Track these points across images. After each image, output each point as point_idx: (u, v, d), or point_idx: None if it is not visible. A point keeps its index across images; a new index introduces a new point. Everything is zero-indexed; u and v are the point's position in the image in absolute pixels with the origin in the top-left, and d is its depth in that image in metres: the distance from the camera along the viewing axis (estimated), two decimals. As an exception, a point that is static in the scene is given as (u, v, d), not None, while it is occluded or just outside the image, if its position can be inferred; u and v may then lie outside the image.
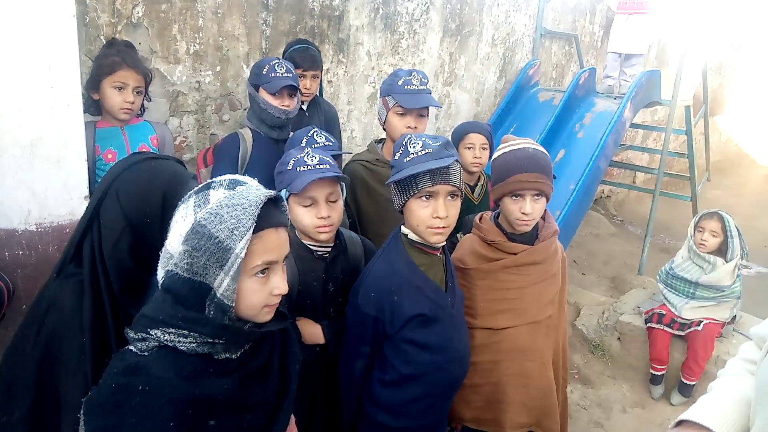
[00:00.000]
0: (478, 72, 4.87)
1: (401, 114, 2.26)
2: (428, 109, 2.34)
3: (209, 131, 3.03)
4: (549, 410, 1.86)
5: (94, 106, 2.24)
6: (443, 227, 1.52)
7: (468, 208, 2.49)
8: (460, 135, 2.62)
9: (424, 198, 1.51)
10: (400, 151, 1.54)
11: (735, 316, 3.49)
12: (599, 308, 4.18)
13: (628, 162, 7.06)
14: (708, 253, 3.39)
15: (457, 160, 1.52)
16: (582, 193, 4.21)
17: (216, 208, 1.00)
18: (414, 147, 1.51)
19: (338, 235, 1.71)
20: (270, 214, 1.06)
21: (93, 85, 2.19)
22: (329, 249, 1.69)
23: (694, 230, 3.47)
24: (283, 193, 1.61)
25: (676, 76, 4.81)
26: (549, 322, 1.88)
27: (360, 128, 3.98)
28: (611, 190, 7.45)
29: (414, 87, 2.25)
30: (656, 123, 7.36)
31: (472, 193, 2.67)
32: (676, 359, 3.47)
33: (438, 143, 1.52)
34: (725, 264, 3.34)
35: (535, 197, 1.74)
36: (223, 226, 0.99)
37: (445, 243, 1.62)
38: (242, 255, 0.99)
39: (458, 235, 2.33)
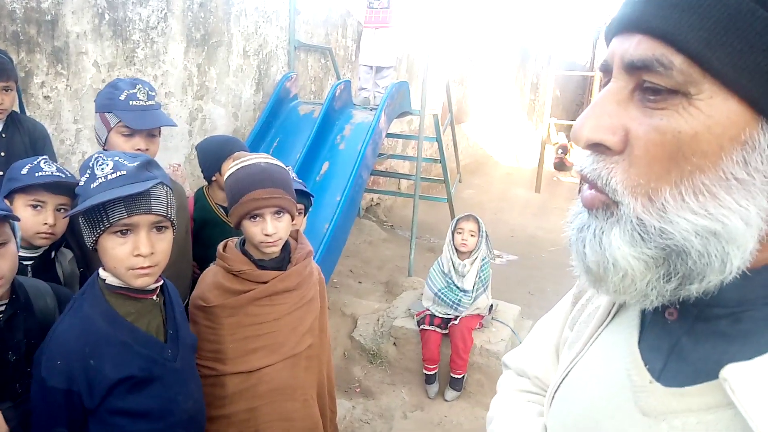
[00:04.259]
0: (233, 84, 4.61)
1: (127, 135, 1.91)
2: (160, 128, 2.03)
3: None
4: None
5: None
6: (148, 267, 1.23)
7: (224, 233, 2.23)
8: None
9: (119, 233, 1.22)
10: (87, 175, 1.22)
11: (492, 305, 3.75)
12: (374, 315, 4.21)
13: (392, 170, 7.42)
14: (469, 251, 3.59)
15: (162, 183, 1.24)
16: (348, 204, 4.20)
17: None
18: (102, 169, 1.19)
19: (16, 288, 1.32)
20: None
21: None
22: (2, 308, 1.29)
23: (453, 233, 3.64)
24: None
25: (423, 87, 5.12)
26: (309, 352, 1.70)
27: (93, 150, 3.43)
28: (380, 198, 7.75)
29: (141, 103, 1.91)
30: (412, 132, 7.86)
31: (227, 216, 2.40)
32: (445, 356, 3.60)
33: (136, 162, 1.23)
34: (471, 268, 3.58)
35: (277, 215, 1.56)
36: None
37: (162, 282, 1.34)
38: None
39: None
